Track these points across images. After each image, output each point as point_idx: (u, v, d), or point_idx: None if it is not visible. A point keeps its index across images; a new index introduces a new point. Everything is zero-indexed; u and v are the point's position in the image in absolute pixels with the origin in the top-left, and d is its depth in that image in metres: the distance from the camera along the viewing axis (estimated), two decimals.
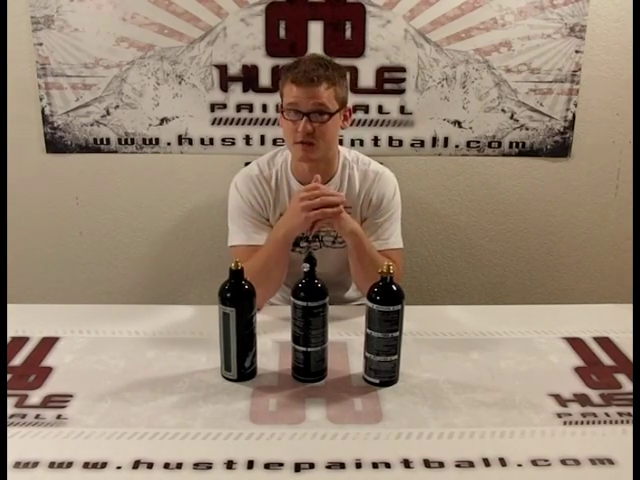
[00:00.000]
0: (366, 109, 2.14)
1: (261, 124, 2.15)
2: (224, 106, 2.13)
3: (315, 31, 2.05)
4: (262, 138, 2.17)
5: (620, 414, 1.11)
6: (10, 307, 1.34)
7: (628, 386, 1.20)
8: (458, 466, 0.97)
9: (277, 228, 1.51)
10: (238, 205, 1.59)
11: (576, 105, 2.17)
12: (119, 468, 0.96)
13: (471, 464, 0.97)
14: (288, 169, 1.61)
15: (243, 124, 2.16)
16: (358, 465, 0.97)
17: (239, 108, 2.14)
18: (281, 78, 1.53)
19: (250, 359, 1.20)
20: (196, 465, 0.96)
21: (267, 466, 0.96)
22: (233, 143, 2.18)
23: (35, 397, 1.14)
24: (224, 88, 2.11)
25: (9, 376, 1.21)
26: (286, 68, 1.52)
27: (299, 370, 1.21)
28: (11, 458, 0.97)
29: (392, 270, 1.16)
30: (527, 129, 2.19)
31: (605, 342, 1.39)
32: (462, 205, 2.30)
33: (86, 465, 0.96)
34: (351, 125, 1.62)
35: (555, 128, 2.19)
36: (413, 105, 2.15)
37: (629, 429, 1.07)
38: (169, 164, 2.21)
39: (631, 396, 1.16)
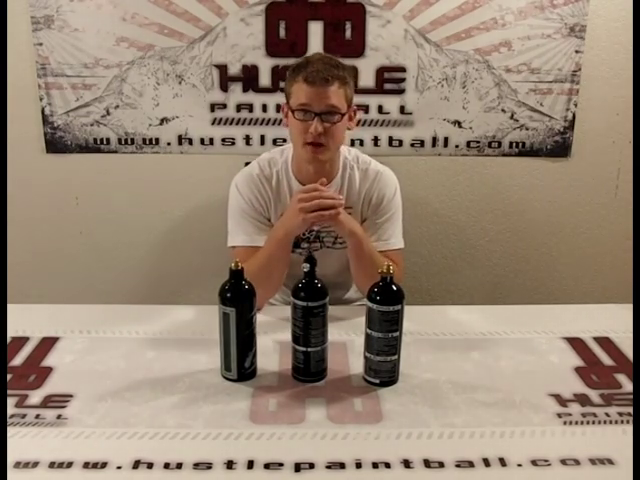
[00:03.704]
0: (366, 109, 2.14)
1: (261, 124, 2.15)
2: (224, 106, 2.13)
3: (315, 31, 2.05)
4: (262, 138, 2.17)
5: (620, 414, 1.11)
6: (10, 307, 1.33)
7: (628, 386, 1.20)
8: (458, 466, 0.97)
9: (277, 227, 1.51)
10: (239, 205, 1.58)
11: (576, 105, 2.17)
12: (119, 468, 0.96)
13: (471, 464, 0.97)
14: (289, 169, 1.60)
15: (243, 124, 2.16)
16: (358, 465, 0.97)
17: (239, 108, 2.14)
18: (287, 77, 1.50)
19: (250, 359, 1.20)
20: (196, 465, 0.96)
21: (267, 466, 0.96)
22: (233, 143, 2.18)
23: (35, 397, 1.14)
24: (224, 88, 2.12)
25: (9, 376, 1.21)
26: (294, 67, 1.49)
27: (299, 370, 1.21)
28: (11, 458, 0.96)
29: (392, 270, 1.16)
30: (527, 129, 2.19)
31: (605, 342, 1.39)
32: (462, 205, 2.30)
33: (86, 465, 0.96)
34: (357, 125, 1.61)
35: (555, 128, 2.19)
36: (413, 105, 2.15)
37: (629, 429, 1.06)
38: (169, 164, 2.21)
39: (631, 396, 1.16)
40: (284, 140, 2.14)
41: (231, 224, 1.60)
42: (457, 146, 2.21)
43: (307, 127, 1.44)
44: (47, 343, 1.34)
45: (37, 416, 1.08)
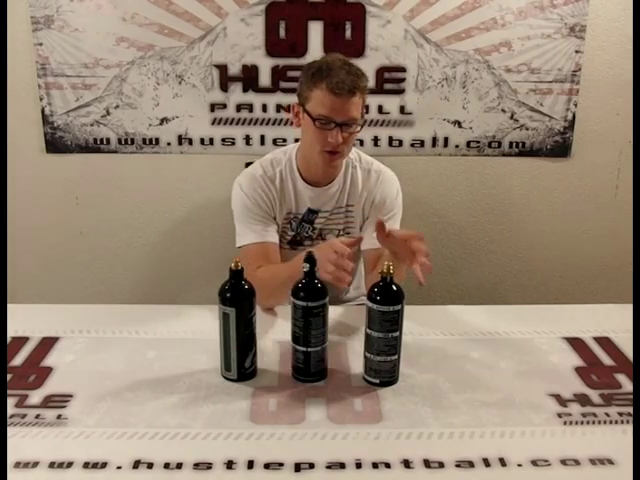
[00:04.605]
0: (366, 109, 2.13)
1: (261, 124, 2.15)
2: (224, 106, 2.13)
3: (315, 31, 2.05)
4: (262, 138, 2.17)
5: (620, 414, 1.11)
6: (10, 307, 1.33)
7: (628, 386, 1.20)
8: (458, 466, 0.97)
9: (300, 258, 1.32)
10: (244, 205, 1.57)
11: (576, 105, 2.17)
12: (119, 468, 0.95)
13: (471, 464, 0.97)
14: (294, 168, 1.60)
15: (243, 124, 2.16)
16: (358, 465, 0.97)
17: (239, 108, 2.14)
18: (306, 80, 1.46)
19: (250, 359, 1.20)
20: (196, 465, 0.96)
21: (267, 466, 0.96)
22: (233, 143, 2.18)
23: (35, 397, 1.14)
24: (224, 88, 2.12)
25: (9, 376, 1.21)
26: (314, 71, 1.44)
27: (299, 370, 1.21)
28: (11, 458, 0.96)
29: (392, 270, 1.16)
30: (527, 129, 2.19)
31: (605, 342, 1.38)
32: (462, 205, 2.30)
33: (86, 465, 0.96)
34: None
35: (555, 128, 2.19)
36: (413, 105, 2.15)
37: (629, 429, 1.06)
38: (169, 164, 2.21)
39: (631, 396, 1.16)
40: (284, 140, 2.14)
41: (238, 225, 1.59)
42: (457, 146, 2.21)
43: (326, 135, 1.44)
44: (47, 343, 1.34)
45: (37, 416, 1.08)
